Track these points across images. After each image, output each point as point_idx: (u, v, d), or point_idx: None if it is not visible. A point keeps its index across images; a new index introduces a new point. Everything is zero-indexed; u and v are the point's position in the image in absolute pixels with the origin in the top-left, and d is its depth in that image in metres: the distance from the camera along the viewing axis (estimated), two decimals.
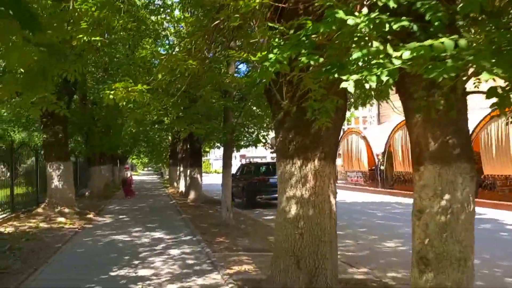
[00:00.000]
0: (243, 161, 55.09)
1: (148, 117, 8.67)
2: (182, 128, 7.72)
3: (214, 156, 71.88)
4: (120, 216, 13.65)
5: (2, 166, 11.27)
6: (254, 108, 11.97)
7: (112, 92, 4.40)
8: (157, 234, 10.09)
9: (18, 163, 13.32)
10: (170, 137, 27.29)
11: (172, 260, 7.35)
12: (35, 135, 11.60)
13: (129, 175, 22.50)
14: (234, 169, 14.98)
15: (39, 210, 12.45)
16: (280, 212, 5.03)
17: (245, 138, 12.57)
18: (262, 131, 12.23)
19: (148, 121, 10.98)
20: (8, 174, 11.93)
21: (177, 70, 5.13)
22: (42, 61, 4.07)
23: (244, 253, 7.82)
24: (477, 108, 13.54)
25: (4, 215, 11.20)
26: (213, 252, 7.87)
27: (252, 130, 12.53)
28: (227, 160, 11.41)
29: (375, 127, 28.06)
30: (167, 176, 42.19)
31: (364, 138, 24.35)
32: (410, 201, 4.09)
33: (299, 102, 4.50)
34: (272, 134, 12.92)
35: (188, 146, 21.67)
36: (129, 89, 4.38)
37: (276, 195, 15.67)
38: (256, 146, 12.11)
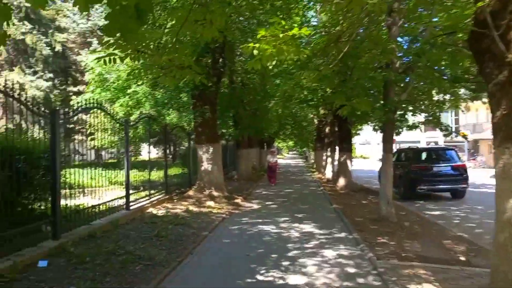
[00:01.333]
0: (394, 147, 51.25)
1: (298, 92, 7.51)
2: (340, 104, 6.34)
3: (359, 140, 68.70)
4: (267, 203, 13.00)
5: (157, 148, 11.45)
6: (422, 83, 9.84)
7: (257, 45, 3.21)
8: (307, 227, 8.97)
9: (172, 145, 13.62)
10: (316, 120, 26.18)
11: (327, 265, 6.09)
12: (183, 116, 11.59)
13: (273, 160, 19.65)
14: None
15: (190, 192, 12.51)
16: (503, 225, 3.28)
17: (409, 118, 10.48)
18: (433, 110, 9.96)
19: (296, 100, 9.83)
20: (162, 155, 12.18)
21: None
22: None
23: (419, 263, 6.13)
24: None
25: (159, 196, 11.42)
26: (377, 258, 6.37)
27: (417, 108, 10.34)
28: (387, 144, 9.63)
29: None
30: (312, 160, 41.48)
31: None
32: None
33: None
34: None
35: (336, 128, 20.25)
36: (280, 37, 3.13)
37: (443, 185, 13.22)
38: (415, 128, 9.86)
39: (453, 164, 14.70)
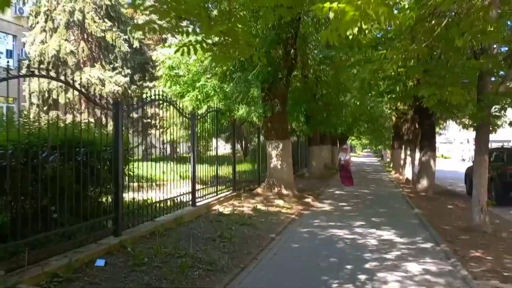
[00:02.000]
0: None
1: (378, 79, 6.63)
2: (427, 94, 5.42)
3: (440, 139, 64.26)
4: (340, 204, 12.12)
5: (225, 143, 11.12)
6: None
7: (334, 5, 2.46)
8: (386, 234, 8.04)
9: (243, 140, 13.25)
10: (394, 116, 24.52)
11: (412, 283, 5.20)
12: (252, 110, 11.15)
13: (346, 158, 17.65)
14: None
15: (259, 190, 12.02)
16: None
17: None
18: None
19: (375, 92, 8.85)
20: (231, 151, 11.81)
21: None
22: None
23: None
24: None
25: (227, 193, 11.08)
26: (473, 277, 5.36)
27: None
28: (482, 145, 8.35)
29: None
30: (388, 159, 39.33)
31: None
32: None
33: None
34: None
35: (417, 126, 18.67)
36: None
37: None
38: None
39: None
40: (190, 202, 8.76)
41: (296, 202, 11.23)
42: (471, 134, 45.79)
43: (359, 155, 70.57)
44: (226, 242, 6.63)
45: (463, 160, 49.30)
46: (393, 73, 6.94)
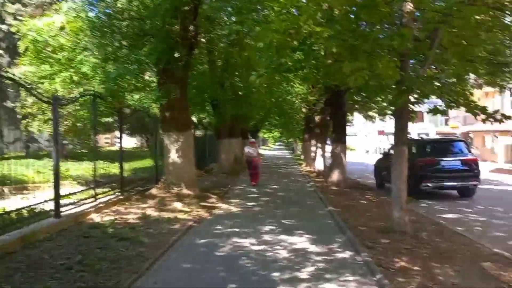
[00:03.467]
0: (384, 138, 49.37)
1: (290, 43, 5.30)
2: (352, 69, 4.21)
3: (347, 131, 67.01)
4: (248, 204, 10.74)
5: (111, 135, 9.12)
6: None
7: None
8: (298, 241, 6.78)
9: (149, 134, 11.27)
10: (304, 108, 24.05)
11: None
12: (143, 96, 9.32)
13: (252, 153, 14.96)
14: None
15: (153, 191, 10.21)
16: None
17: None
18: (464, 91, 7.62)
19: (284, 68, 7.55)
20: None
21: None
22: None
23: None
24: None
25: (111, 197, 9.12)
26: None
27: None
28: (401, 134, 7.45)
29: None
30: (299, 152, 39.45)
31: None
32: None
33: None
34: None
35: (328, 118, 18.13)
36: None
37: (451, 182, 11.17)
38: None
39: (463, 158, 12.74)
40: (53, 212, 6.70)
41: (198, 204, 9.63)
42: (376, 126, 47.95)
43: (271, 149, 71.01)
44: (87, 270, 4.80)
45: (367, 152, 51.61)
46: (307, 40, 5.71)
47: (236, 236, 7.09)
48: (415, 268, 5.39)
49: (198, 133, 19.88)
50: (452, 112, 41.33)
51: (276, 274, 5.14)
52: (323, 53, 7.25)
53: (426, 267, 5.41)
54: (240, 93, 17.03)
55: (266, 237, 7.03)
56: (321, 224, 8.28)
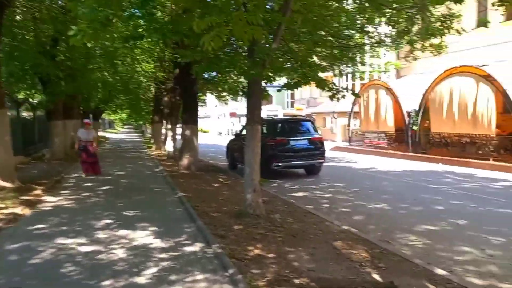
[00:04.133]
0: (234, 120, 50.43)
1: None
2: (204, 27, 3.36)
3: (199, 113, 66.75)
4: (84, 194, 9.16)
5: None
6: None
7: None
8: (140, 236, 5.77)
9: None
10: (153, 87, 22.59)
11: None
12: None
13: (87, 137, 12.23)
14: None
15: None
16: None
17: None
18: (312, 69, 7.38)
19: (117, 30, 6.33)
20: None
21: None
22: None
23: None
24: None
25: None
26: None
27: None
28: (254, 112, 6.95)
29: (406, 78, 23.60)
30: (149, 135, 37.55)
31: (391, 92, 20.08)
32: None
33: None
34: None
35: (177, 98, 17.15)
36: None
37: (299, 161, 11.41)
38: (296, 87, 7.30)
39: (310, 137, 13.16)
40: None
41: (14, 198, 7.78)
42: (229, 108, 48.64)
43: (119, 132, 66.73)
44: None
45: (220, 133, 52.24)
46: None
47: (61, 236, 5.74)
48: (270, 255, 4.92)
49: (26, 114, 16.91)
50: (297, 95, 44.63)
51: (107, 282, 4.08)
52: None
53: (280, 254, 4.99)
54: (75, 70, 14.84)
55: (101, 235, 5.83)
56: (169, 213, 7.38)
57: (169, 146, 18.32)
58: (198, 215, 6.83)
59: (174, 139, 18.20)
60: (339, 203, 8.71)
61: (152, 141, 27.68)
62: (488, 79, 14.26)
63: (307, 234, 5.93)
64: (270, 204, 7.93)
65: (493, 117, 14.12)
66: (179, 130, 15.73)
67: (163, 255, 4.95)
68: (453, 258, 5.11)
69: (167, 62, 16.45)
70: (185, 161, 13.18)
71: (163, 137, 20.82)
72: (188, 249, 5.23)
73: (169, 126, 18.58)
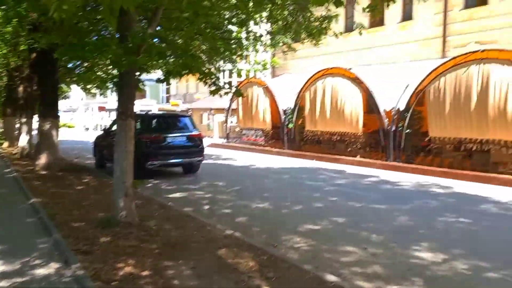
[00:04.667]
0: (105, 115, 46.78)
1: None
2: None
3: (62, 107, 60.22)
4: None
5: None
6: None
7: None
8: None
9: None
10: (5, 75, 19.49)
11: None
12: None
13: None
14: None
15: None
16: None
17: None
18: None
19: None
20: None
21: None
22: None
23: None
24: None
25: None
26: None
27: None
28: (127, 104, 6.03)
29: (282, 77, 24.24)
30: (1, 130, 32.65)
31: (268, 90, 20.43)
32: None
33: None
34: None
35: (36, 87, 14.91)
36: None
37: (177, 159, 10.69)
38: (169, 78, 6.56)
39: (189, 134, 12.47)
40: None
41: None
42: (97, 101, 45.03)
43: None
44: None
45: (87, 129, 48.12)
46: None
47: None
48: (144, 273, 4.17)
49: None
50: (173, 90, 43.32)
51: None
52: None
53: (157, 269, 4.28)
54: None
55: None
56: (16, 225, 6.04)
57: (23, 142, 15.89)
58: (55, 226, 5.68)
59: (30, 135, 15.85)
60: (221, 204, 8.24)
61: (3, 137, 23.95)
62: (356, 81, 15.25)
63: (188, 243, 5.29)
64: (144, 209, 7.07)
65: (360, 116, 15.13)
66: (36, 125, 13.66)
67: (2, 284, 3.84)
68: (339, 259, 4.97)
69: (22, 46, 14.17)
70: (42, 159, 11.41)
71: (17, 132, 18.06)
72: (40, 272, 4.18)
73: (24, 120, 16.13)
